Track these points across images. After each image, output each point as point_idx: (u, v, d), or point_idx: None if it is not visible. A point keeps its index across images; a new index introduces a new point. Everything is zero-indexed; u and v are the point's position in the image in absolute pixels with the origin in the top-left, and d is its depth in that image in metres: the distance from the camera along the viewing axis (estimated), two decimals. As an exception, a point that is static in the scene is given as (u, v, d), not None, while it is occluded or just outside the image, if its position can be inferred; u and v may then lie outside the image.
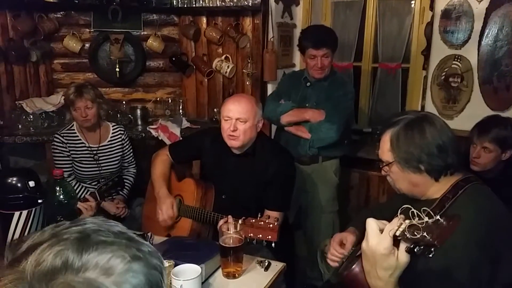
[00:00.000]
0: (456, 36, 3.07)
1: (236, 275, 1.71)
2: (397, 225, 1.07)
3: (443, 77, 3.14)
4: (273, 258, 1.88)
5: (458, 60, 3.08)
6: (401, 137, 1.40)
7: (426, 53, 3.16)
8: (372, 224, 1.11)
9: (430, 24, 3.12)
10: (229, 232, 1.73)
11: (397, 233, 1.06)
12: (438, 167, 1.38)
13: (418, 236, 1.00)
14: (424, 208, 1.04)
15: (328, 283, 1.84)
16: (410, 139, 1.38)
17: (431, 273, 1.24)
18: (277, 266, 1.79)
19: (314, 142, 2.66)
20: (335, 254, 1.69)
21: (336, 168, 2.83)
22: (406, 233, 1.03)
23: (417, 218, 1.03)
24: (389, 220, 1.15)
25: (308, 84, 2.78)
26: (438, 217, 1.01)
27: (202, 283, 1.61)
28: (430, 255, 1.02)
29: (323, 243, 2.10)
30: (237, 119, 2.09)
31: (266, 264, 1.78)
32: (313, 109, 2.68)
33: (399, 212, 1.10)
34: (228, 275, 1.71)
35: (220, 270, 1.74)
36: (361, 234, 1.71)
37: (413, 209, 1.04)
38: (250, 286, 1.66)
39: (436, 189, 1.42)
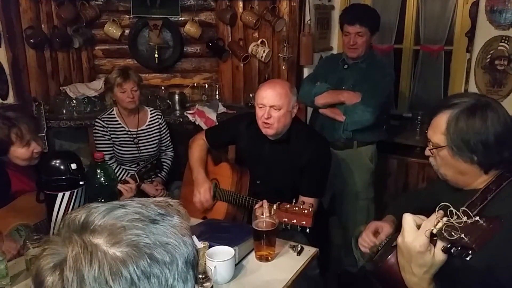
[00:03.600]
0: (504, 16, 2.91)
1: (269, 258, 1.73)
2: (435, 223, 1.03)
3: (488, 60, 3.00)
4: (307, 243, 1.89)
5: (506, 42, 2.92)
6: (461, 122, 1.29)
7: (471, 34, 3.02)
8: (408, 220, 1.06)
9: (475, 4, 2.97)
10: (262, 216, 1.75)
11: (434, 231, 1.01)
12: (492, 160, 1.29)
13: (456, 237, 0.96)
14: (463, 208, 1.00)
15: (362, 269, 1.83)
16: (470, 126, 1.27)
17: (471, 271, 1.19)
18: (310, 251, 1.80)
19: (348, 125, 2.61)
20: (366, 241, 1.66)
21: (371, 154, 2.77)
22: (443, 232, 0.99)
23: (455, 217, 0.98)
24: (427, 209, 1.12)
25: (346, 66, 2.73)
26: (477, 218, 0.96)
27: (236, 265, 1.64)
28: (467, 258, 0.97)
29: (357, 229, 2.08)
30: (271, 106, 2.08)
31: (299, 248, 1.79)
32: (349, 91, 2.63)
33: (437, 209, 1.06)
34: (261, 258, 1.73)
35: (253, 253, 1.76)
36: (399, 223, 1.68)
37: (451, 208, 1.00)
38: (283, 270, 1.67)
39: (482, 180, 1.35)
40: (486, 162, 1.30)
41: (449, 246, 1.01)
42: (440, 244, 1.02)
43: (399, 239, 1.10)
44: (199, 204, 2.23)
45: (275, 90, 2.10)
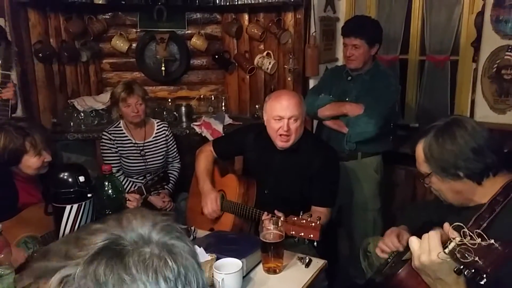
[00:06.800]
0: (510, 26, 2.90)
1: (277, 270, 1.72)
2: (446, 241, 1.03)
3: (494, 70, 2.99)
4: (315, 255, 1.88)
5: (512, 51, 2.92)
6: (433, 146, 1.36)
7: (476, 44, 3.02)
8: (433, 243, 1.08)
9: (480, 14, 2.97)
10: (269, 228, 1.74)
11: (446, 251, 1.02)
12: (477, 170, 1.32)
13: (470, 259, 0.95)
14: (478, 231, 0.99)
15: (371, 281, 1.81)
16: (442, 147, 1.34)
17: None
18: (318, 263, 1.78)
19: (351, 137, 2.60)
20: (389, 245, 1.64)
21: (377, 165, 2.76)
22: (456, 253, 0.99)
23: (468, 238, 0.98)
24: (435, 223, 1.11)
25: (349, 78, 2.74)
26: (492, 241, 0.96)
27: (243, 277, 1.63)
28: (482, 282, 0.96)
29: (365, 241, 2.07)
30: (290, 118, 2.05)
31: (307, 260, 1.77)
32: (351, 103, 2.64)
33: (449, 228, 1.05)
34: (269, 271, 1.72)
35: (261, 265, 1.75)
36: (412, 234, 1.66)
37: (465, 229, 0.99)
38: (291, 282, 1.66)
39: (483, 193, 1.36)
40: (473, 173, 1.33)
41: (462, 267, 0.99)
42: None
43: (416, 262, 1.11)
44: (209, 215, 2.23)
45: (292, 100, 2.07)
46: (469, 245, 0.95)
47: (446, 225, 1.07)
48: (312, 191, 2.17)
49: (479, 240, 0.96)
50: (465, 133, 1.32)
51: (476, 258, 0.94)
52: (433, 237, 1.08)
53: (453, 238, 1.00)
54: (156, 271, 0.60)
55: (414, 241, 1.12)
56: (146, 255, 0.62)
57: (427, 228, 1.17)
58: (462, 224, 1.00)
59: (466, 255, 0.95)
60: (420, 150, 1.40)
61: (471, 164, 1.31)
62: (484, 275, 0.95)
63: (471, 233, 0.97)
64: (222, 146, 2.46)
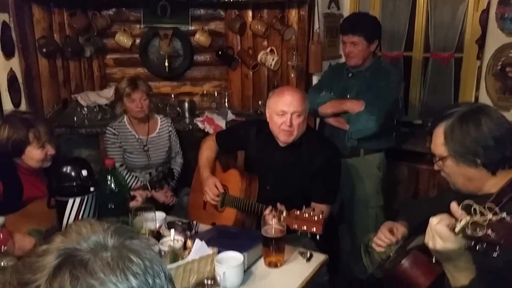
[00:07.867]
0: (515, 23, 2.89)
1: (278, 264, 1.73)
2: (457, 222, 1.03)
3: (499, 67, 2.97)
4: (316, 249, 1.88)
5: (517, 49, 2.90)
6: (456, 130, 1.34)
7: (481, 41, 3.00)
8: (439, 228, 1.09)
9: (485, 11, 2.95)
10: (271, 222, 1.75)
11: (456, 230, 1.02)
12: (495, 160, 1.32)
13: (481, 234, 0.95)
14: (488, 205, 0.99)
15: (372, 277, 1.81)
16: (465, 132, 1.33)
17: (494, 271, 1.19)
18: (319, 258, 1.79)
19: (352, 134, 2.60)
20: (382, 239, 1.65)
21: (379, 162, 2.75)
22: (467, 230, 0.99)
23: (479, 215, 0.98)
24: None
25: (350, 74, 2.74)
26: (504, 214, 0.95)
27: (244, 271, 1.64)
28: (494, 255, 0.96)
29: (366, 237, 2.07)
30: (293, 113, 2.06)
31: (308, 255, 1.78)
32: (352, 100, 2.64)
33: (460, 207, 1.06)
34: (270, 265, 1.73)
35: (262, 259, 1.76)
36: (413, 229, 1.67)
37: (475, 206, 1.00)
38: (292, 276, 1.67)
39: (493, 183, 1.36)
40: (490, 162, 1.33)
41: (473, 244, 1.00)
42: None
43: (430, 244, 1.12)
44: (212, 201, 2.26)
45: (295, 96, 2.08)
46: (480, 221, 0.96)
47: (454, 205, 1.07)
48: (313, 188, 2.17)
49: (489, 215, 0.96)
50: (490, 122, 1.32)
51: (489, 232, 0.94)
52: (441, 223, 1.09)
53: (464, 217, 1.01)
54: (123, 270, 0.61)
55: (434, 220, 1.13)
56: (108, 258, 0.62)
57: None
58: (471, 202, 1.00)
59: (478, 230, 0.96)
60: (440, 132, 1.39)
61: (491, 153, 1.31)
62: (497, 247, 0.95)
63: (481, 209, 0.97)
64: (225, 138, 2.47)
